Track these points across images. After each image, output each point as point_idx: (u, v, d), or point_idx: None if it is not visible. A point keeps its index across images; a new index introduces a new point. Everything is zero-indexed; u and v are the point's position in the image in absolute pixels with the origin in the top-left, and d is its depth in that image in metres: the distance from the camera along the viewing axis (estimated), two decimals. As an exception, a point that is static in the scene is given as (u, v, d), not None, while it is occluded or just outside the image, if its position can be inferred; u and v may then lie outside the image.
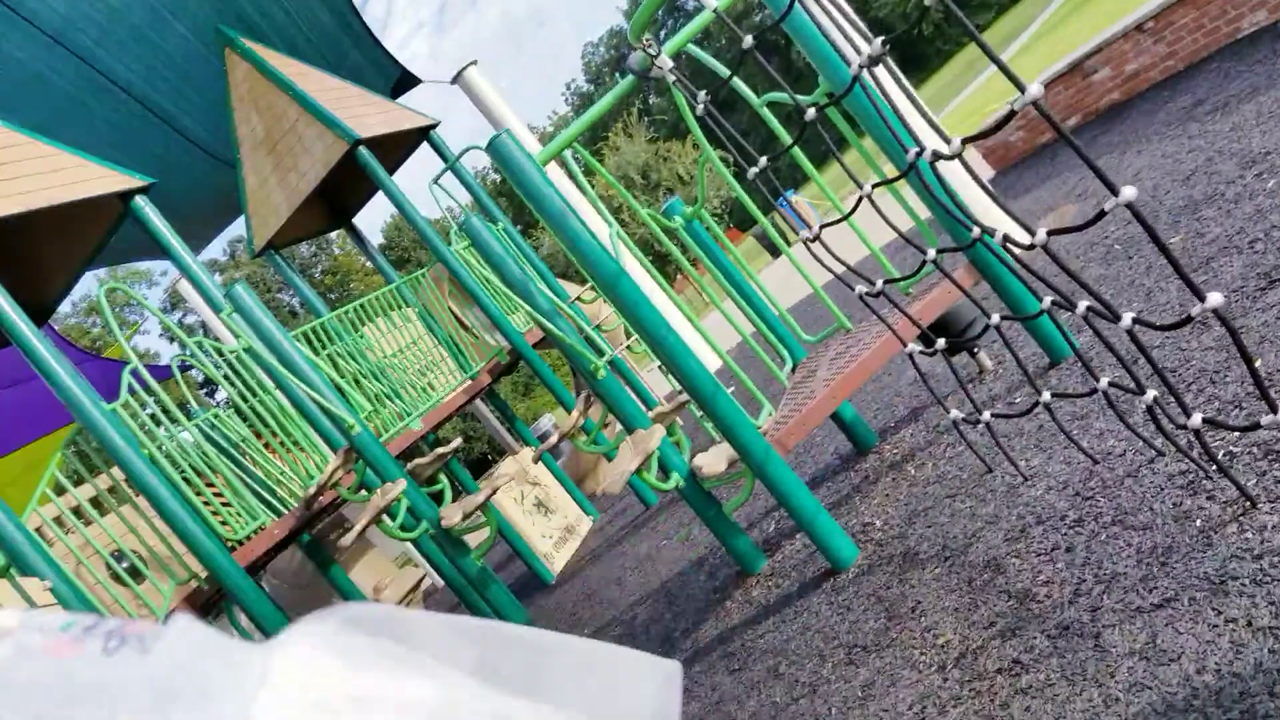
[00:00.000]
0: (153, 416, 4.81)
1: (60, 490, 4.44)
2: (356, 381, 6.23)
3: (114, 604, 4.35)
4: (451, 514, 4.20)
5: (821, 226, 2.68)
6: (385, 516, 4.39)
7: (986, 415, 2.77)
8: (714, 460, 3.85)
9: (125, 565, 4.68)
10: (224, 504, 5.15)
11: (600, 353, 3.89)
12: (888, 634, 2.75)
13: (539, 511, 8.02)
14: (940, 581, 2.75)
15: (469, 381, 7.18)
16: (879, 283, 2.74)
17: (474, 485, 7.62)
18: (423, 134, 7.43)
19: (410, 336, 7.11)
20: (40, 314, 5.48)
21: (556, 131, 64.78)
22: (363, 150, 6.41)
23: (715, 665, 3.60)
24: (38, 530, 4.37)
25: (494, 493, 4.17)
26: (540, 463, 6.73)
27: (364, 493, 4.83)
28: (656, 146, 42.99)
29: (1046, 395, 2.47)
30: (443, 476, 4.66)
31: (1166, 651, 1.83)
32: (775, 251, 22.28)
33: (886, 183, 2.42)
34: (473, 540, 7.64)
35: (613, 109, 3.13)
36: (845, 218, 2.73)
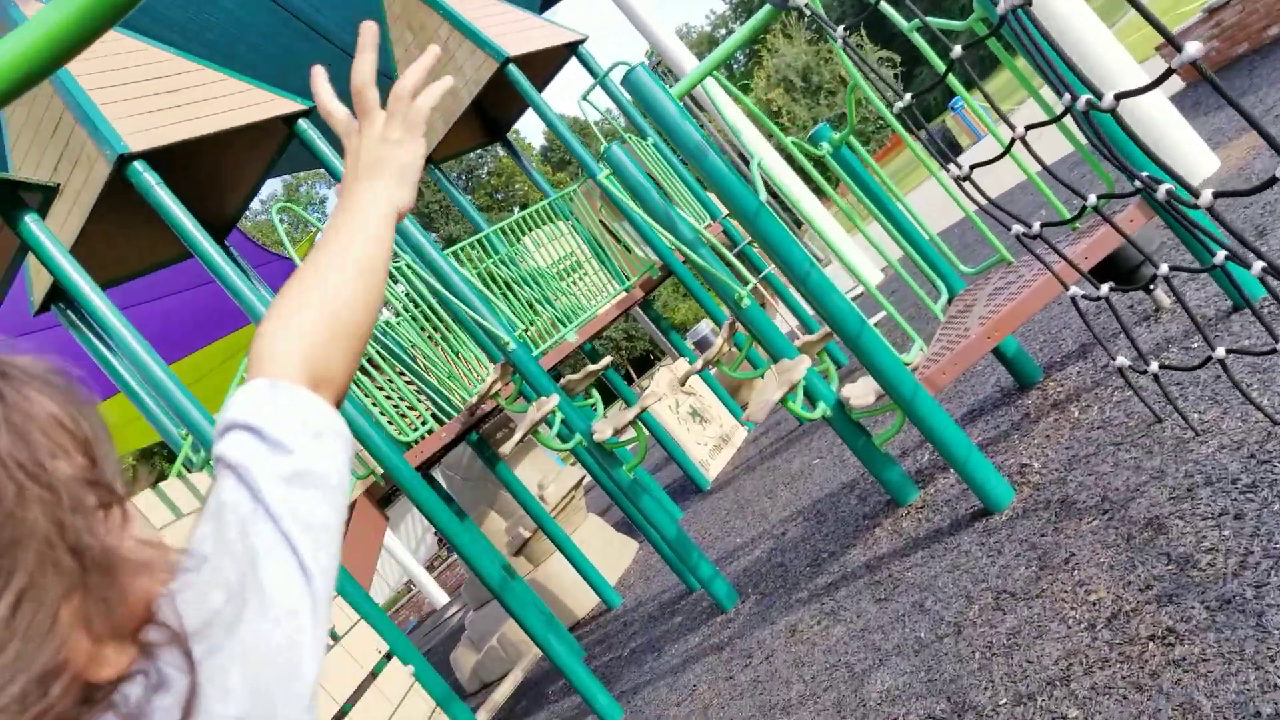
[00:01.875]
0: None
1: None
2: (509, 291, 6.44)
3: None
4: (602, 428, 4.35)
5: (973, 166, 2.55)
6: (542, 427, 4.59)
7: (1154, 366, 2.62)
8: (862, 392, 3.82)
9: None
10: (407, 408, 5.51)
11: (744, 281, 3.87)
12: (1038, 583, 2.72)
13: (694, 420, 8.17)
14: (1097, 535, 2.68)
15: (623, 294, 7.29)
16: (1036, 225, 2.60)
17: (631, 395, 7.80)
18: (571, 49, 7.40)
19: (565, 249, 7.26)
20: (222, 228, 5.90)
21: (713, 33, 62.83)
22: (512, 68, 6.47)
23: (862, 592, 3.64)
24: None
25: (642, 410, 4.28)
26: (732, 344, 6.81)
27: (522, 403, 5.06)
28: (818, 48, 41.03)
29: (1220, 351, 2.32)
30: (594, 391, 4.81)
31: (1334, 642, 1.74)
32: (953, 148, 21.12)
33: (1042, 125, 2.27)
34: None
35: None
36: (1003, 154, 2.59)
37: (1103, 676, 2.16)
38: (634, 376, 42.67)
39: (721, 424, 8.44)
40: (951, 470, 3.88)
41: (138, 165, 4.18)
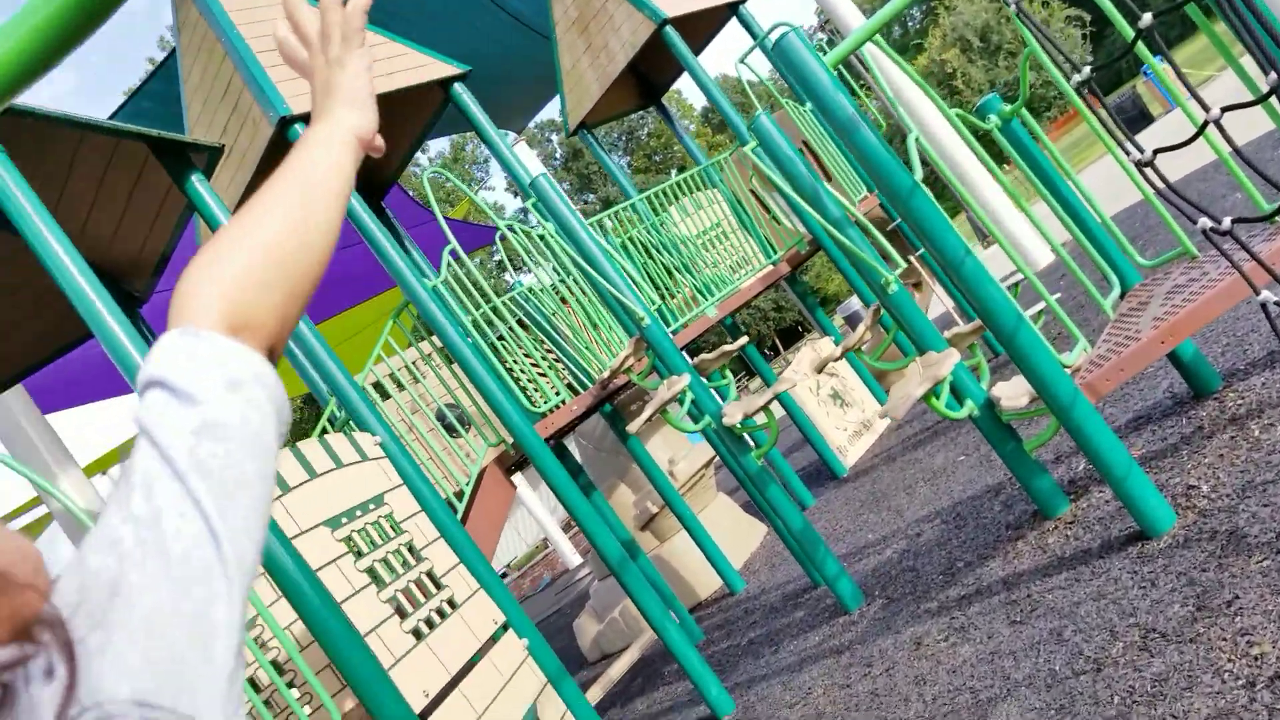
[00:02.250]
0: (474, 286, 5.17)
1: (391, 352, 4.95)
2: (650, 259, 6.32)
3: (437, 454, 4.83)
4: (733, 412, 4.20)
5: (1156, 151, 2.25)
6: (672, 406, 4.48)
7: (1359, 390, 2.26)
8: (1015, 392, 3.52)
9: (455, 414, 5.18)
10: (540, 374, 5.52)
11: (893, 264, 3.63)
12: (1193, 626, 2.42)
13: (834, 403, 7.89)
14: (1268, 578, 2.36)
15: (768, 268, 7.07)
16: (1226, 221, 2.28)
17: (770, 374, 7.60)
18: (732, 9, 7.18)
19: (712, 219, 7.08)
20: (378, 190, 6.03)
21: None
22: (669, 30, 6.31)
23: (995, 610, 3.38)
24: (375, 386, 4.91)
25: (775, 396, 4.10)
26: (879, 329, 6.53)
27: (654, 379, 4.96)
28: (999, 4, 38.79)
29: None
30: (728, 371, 4.66)
31: None
32: (1144, 118, 19.62)
33: (1242, 106, 1.96)
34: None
35: None
36: (1193, 139, 2.28)
37: (1263, 749, 1.89)
38: (780, 349, 41.97)
39: (863, 409, 8.12)
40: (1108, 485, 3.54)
41: (298, 128, 4.28)
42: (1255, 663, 2.13)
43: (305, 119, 4.23)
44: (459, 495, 4.41)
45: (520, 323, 6.14)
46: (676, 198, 6.93)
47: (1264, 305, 2.51)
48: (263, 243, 0.73)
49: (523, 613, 4.06)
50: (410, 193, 8.95)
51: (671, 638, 4.44)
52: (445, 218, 11.71)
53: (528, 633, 3.99)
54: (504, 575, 22.67)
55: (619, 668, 5.79)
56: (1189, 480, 3.13)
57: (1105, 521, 3.34)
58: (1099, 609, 2.86)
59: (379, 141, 0.94)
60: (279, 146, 4.28)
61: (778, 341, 43.01)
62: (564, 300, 5.65)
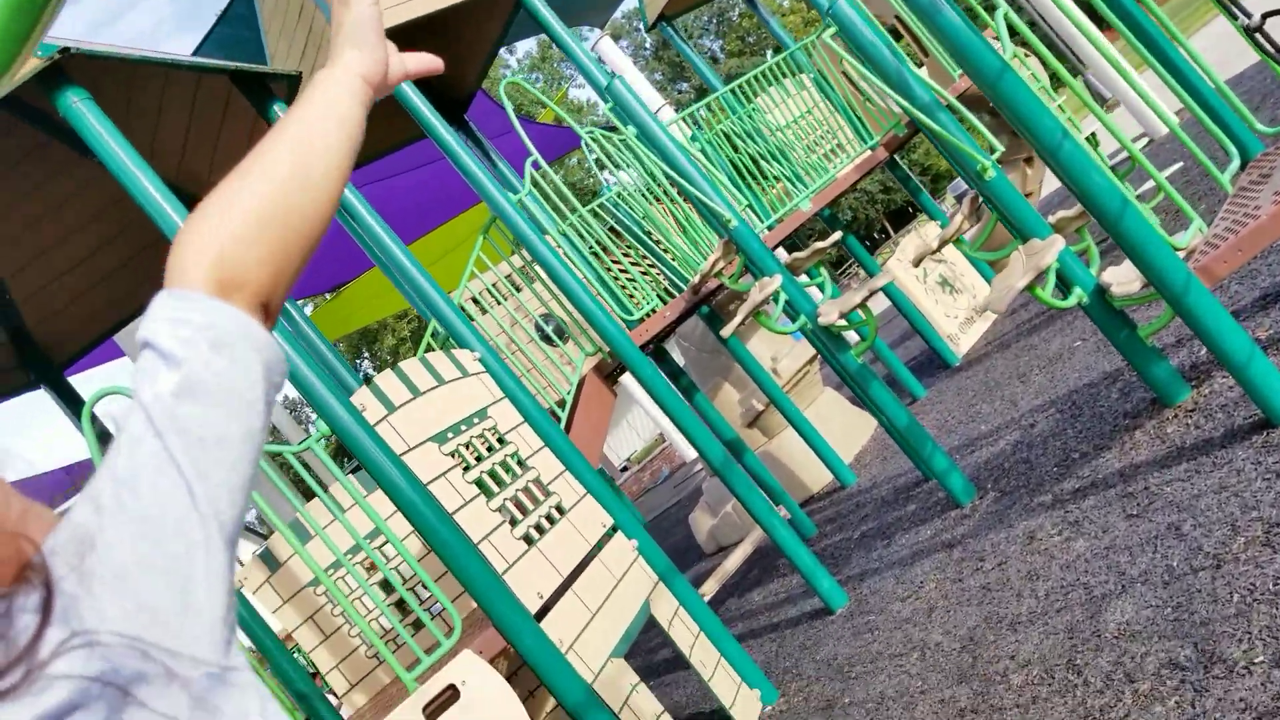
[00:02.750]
0: (559, 195, 5.14)
1: (484, 268, 5.01)
2: (739, 157, 6.16)
3: (537, 366, 4.92)
4: (829, 311, 4.11)
5: (1265, 16, 2.04)
6: (768, 307, 4.42)
7: None
8: (1127, 277, 3.33)
9: (552, 326, 5.24)
10: (632, 280, 5.52)
11: (990, 149, 3.43)
12: (1324, 521, 2.29)
13: (943, 290, 7.65)
14: None
15: (866, 154, 6.80)
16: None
17: (873, 265, 7.40)
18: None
19: (804, 105, 6.81)
20: (462, 102, 6.00)
21: None
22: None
23: (1111, 503, 3.28)
24: (473, 301, 4.98)
25: (871, 294, 3.99)
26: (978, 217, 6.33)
27: (748, 279, 4.89)
28: None
29: None
30: (822, 270, 4.55)
31: None
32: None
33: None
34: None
35: None
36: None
37: (1394, 652, 1.79)
38: (891, 232, 40.56)
39: (975, 295, 7.85)
40: (1231, 370, 3.35)
41: (372, 49, 4.26)
42: (1389, 560, 2.01)
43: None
44: (561, 404, 4.49)
45: (613, 229, 6.12)
46: (765, 86, 6.68)
47: None
48: (255, 198, 0.71)
49: (633, 514, 4.15)
50: (497, 100, 8.86)
51: (780, 535, 4.48)
52: (535, 121, 11.64)
53: (637, 534, 4.08)
54: (624, 469, 23.22)
55: (733, 562, 5.90)
56: (1323, 362, 2.93)
57: (1229, 409, 3.17)
58: (1220, 502, 2.74)
59: (413, 66, 0.91)
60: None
61: (887, 225, 41.67)
62: (657, 200, 5.59)
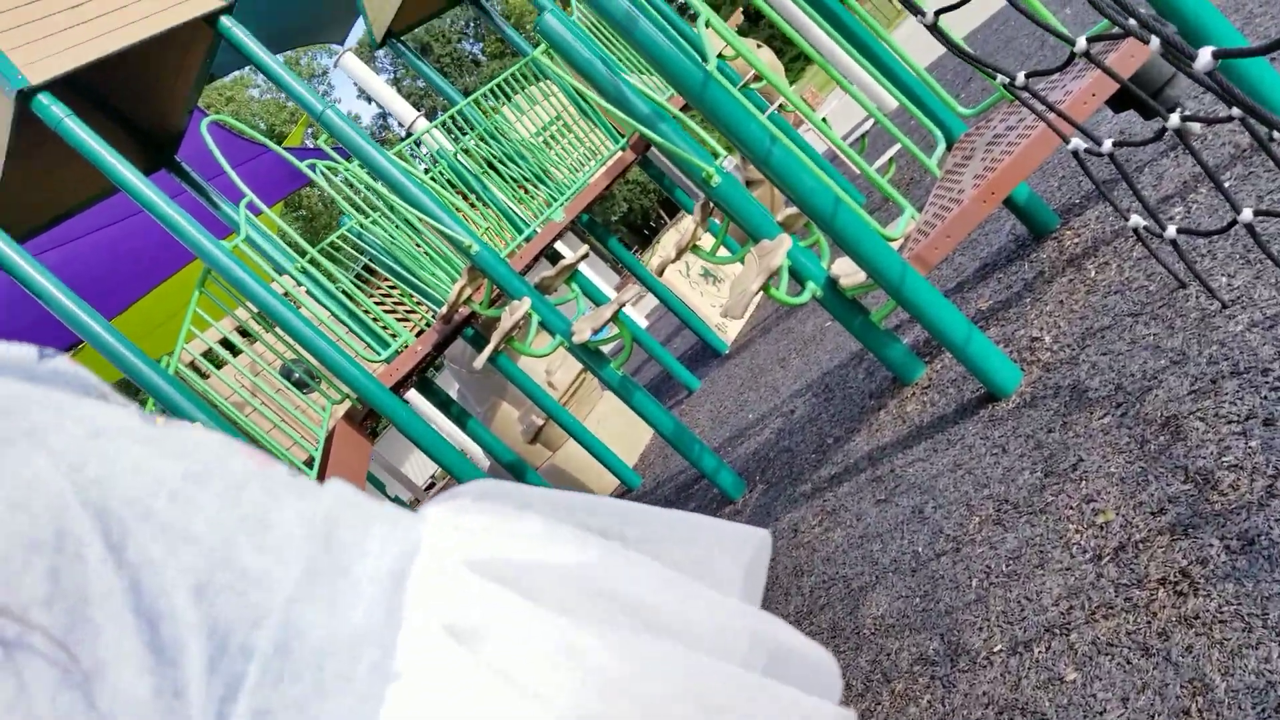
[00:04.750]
0: (282, 238, 4.79)
1: (205, 325, 4.58)
2: (492, 171, 5.95)
3: (293, 414, 4.54)
4: (582, 329, 4.01)
5: (938, 12, 2.06)
6: (520, 332, 4.26)
7: (1171, 231, 2.18)
8: (854, 268, 3.40)
9: (301, 371, 4.85)
10: (383, 312, 5.21)
11: (715, 154, 3.41)
12: (1042, 495, 2.38)
13: (707, 281, 7.76)
14: (1108, 436, 2.31)
15: (617, 155, 6.76)
16: (1020, 75, 2.12)
17: (637, 266, 7.39)
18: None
19: (551, 112, 6.69)
20: (168, 143, 5.49)
21: None
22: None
23: (863, 490, 3.35)
24: (194, 364, 4.53)
25: (620, 308, 3.91)
26: (707, 227, 6.39)
27: (499, 306, 4.72)
28: None
29: (1246, 214, 1.87)
30: (574, 286, 4.44)
31: (1381, 616, 1.39)
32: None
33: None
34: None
35: None
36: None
37: (1106, 629, 1.85)
38: (667, 217, 41.42)
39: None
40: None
41: (42, 98, 3.77)
42: (1101, 532, 2.09)
43: (51, 88, 3.73)
44: (309, 463, 4.16)
45: (368, 264, 5.78)
46: (509, 96, 6.51)
47: (1076, 154, 2.39)
48: None
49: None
50: (229, 128, 8.13)
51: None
52: (284, 146, 10.92)
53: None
54: (430, 486, 22.48)
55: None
56: (1032, 332, 3.08)
57: (958, 383, 3.30)
58: (955, 481, 2.82)
59: None
60: (26, 120, 3.77)
61: (662, 213, 42.57)
62: (410, 226, 5.30)
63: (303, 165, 4.42)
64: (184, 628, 0.44)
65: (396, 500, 10.39)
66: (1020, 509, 2.43)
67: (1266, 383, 1.96)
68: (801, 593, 3.17)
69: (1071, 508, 2.24)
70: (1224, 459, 1.90)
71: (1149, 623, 1.76)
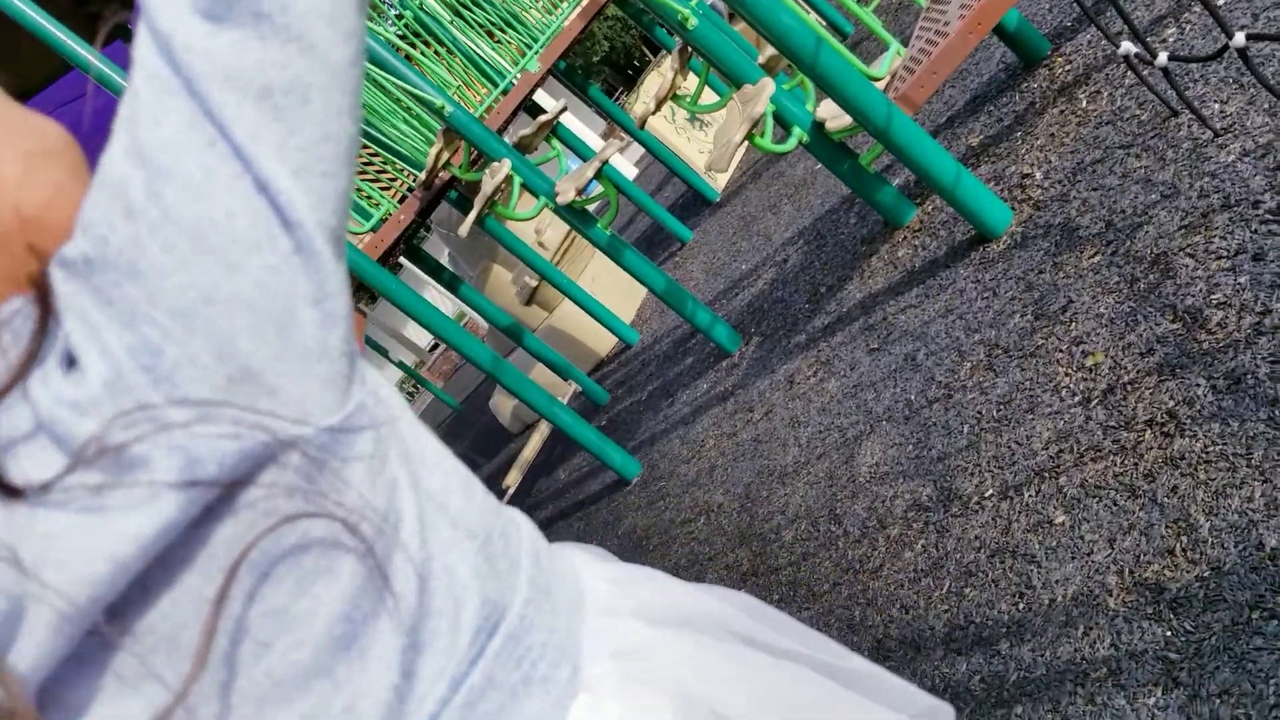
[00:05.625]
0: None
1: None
2: (457, 21, 5.68)
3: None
4: (565, 188, 3.92)
5: None
6: (502, 195, 4.17)
7: (1162, 58, 2.08)
8: (840, 110, 3.28)
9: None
10: (363, 180, 5.09)
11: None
12: (1033, 338, 2.37)
13: (694, 126, 7.56)
14: (1098, 275, 2.28)
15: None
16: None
17: (620, 115, 7.16)
18: None
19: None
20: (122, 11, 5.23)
21: None
22: None
23: (856, 338, 3.35)
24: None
25: (603, 164, 3.81)
26: (688, 71, 6.16)
27: (479, 169, 4.60)
28: None
29: (1240, 38, 1.79)
30: (554, 143, 4.31)
31: (1362, 453, 1.40)
32: None
33: None
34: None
35: None
36: None
37: (1094, 471, 1.87)
38: (652, 55, 39.89)
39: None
40: (947, 186, 3.41)
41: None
42: (1090, 375, 2.09)
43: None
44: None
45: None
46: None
47: (1065, -21, 2.26)
48: None
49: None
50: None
51: (564, 422, 4.41)
52: None
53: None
54: (433, 348, 22.66)
55: (531, 449, 5.84)
56: (1023, 168, 3.00)
57: (949, 225, 3.24)
58: (947, 326, 2.81)
59: None
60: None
61: (646, 50, 41.01)
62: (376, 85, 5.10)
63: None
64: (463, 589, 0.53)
65: (401, 366, 10.42)
66: (1011, 353, 2.43)
67: (1257, 215, 1.92)
68: (799, 443, 3.22)
69: (1061, 350, 2.24)
70: (1213, 296, 1.88)
71: (1136, 465, 1.78)
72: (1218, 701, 1.32)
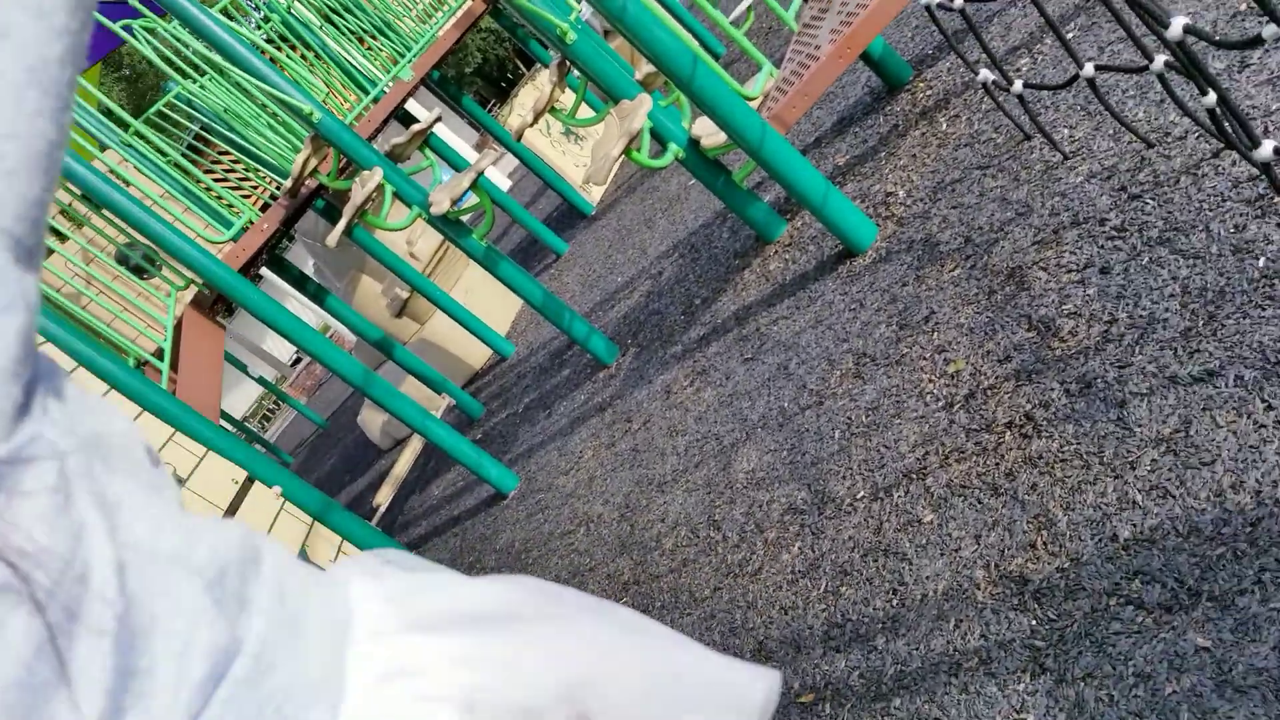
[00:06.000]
0: (103, 111, 4.41)
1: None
2: (328, 26, 5.55)
3: (134, 303, 4.27)
4: (440, 198, 3.87)
5: None
6: (373, 205, 4.09)
7: (1017, 87, 2.22)
8: (714, 127, 3.36)
9: (140, 254, 4.54)
10: (224, 189, 4.89)
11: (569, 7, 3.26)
12: (898, 347, 2.48)
13: (569, 139, 7.58)
14: (958, 287, 2.41)
15: (466, 5, 6.40)
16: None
17: (496, 127, 7.11)
18: None
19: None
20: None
21: None
22: None
23: (731, 349, 3.42)
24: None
25: (478, 175, 3.79)
26: (565, 85, 6.19)
27: (348, 177, 4.50)
28: None
29: (1089, 69, 1.93)
30: (427, 153, 4.25)
31: (1200, 449, 1.52)
32: None
33: None
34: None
35: None
36: None
37: (959, 472, 1.97)
38: (525, 69, 39.83)
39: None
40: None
41: None
42: (952, 381, 2.20)
43: None
44: (159, 354, 3.95)
45: (200, 134, 5.38)
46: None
47: (929, 8, 2.39)
48: None
49: (266, 459, 3.81)
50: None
51: (437, 436, 4.33)
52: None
53: (277, 479, 3.76)
54: (296, 363, 21.89)
55: (403, 464, 5.72)
56: (887, 187, 3.14)
57: (818, 240, 3.36)
58: (817, 337, 2.91)
59: None
60: None
61: (519, 63, 40.91)
62: (242, 91, 4.92)
63: (116, 26, 4.01)
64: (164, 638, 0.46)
65: (261, 381, 10.06)
66: (878, 361, 2.53)
67: (1104, 232, 2.07)
68: (677, 452, 3.26)
69: (925, 358, 2.35)
70: (1064, 307, 2.01)
71: (997, 464, 1.89)
72: (1082, 684, 1.41)
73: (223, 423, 4.33)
